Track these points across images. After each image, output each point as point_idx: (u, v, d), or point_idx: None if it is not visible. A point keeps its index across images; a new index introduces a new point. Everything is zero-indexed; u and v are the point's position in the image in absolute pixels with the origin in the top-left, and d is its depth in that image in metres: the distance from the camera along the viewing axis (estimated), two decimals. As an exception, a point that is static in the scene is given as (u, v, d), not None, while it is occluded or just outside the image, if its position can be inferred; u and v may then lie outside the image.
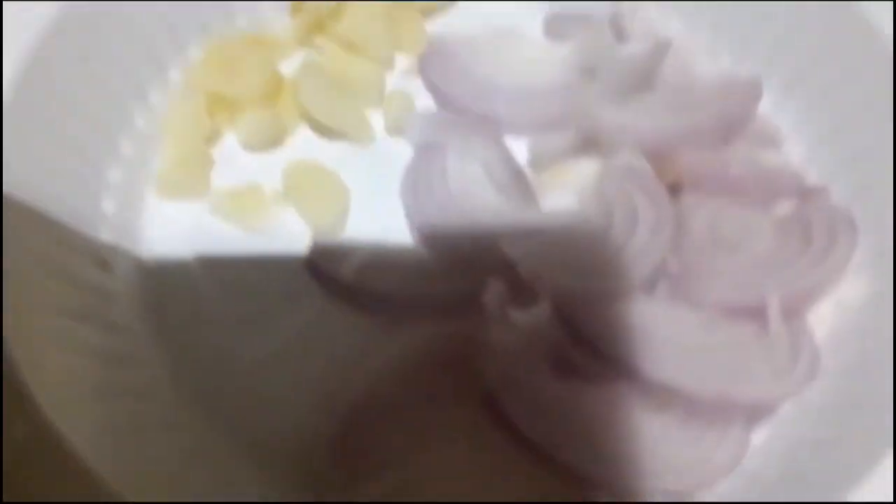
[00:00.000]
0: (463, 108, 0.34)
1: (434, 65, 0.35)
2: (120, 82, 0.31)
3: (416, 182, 0.30)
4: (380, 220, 0.31)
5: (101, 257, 0.29)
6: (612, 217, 0.27)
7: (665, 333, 0.25)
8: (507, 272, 0.26)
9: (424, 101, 0.34)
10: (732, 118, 0.31)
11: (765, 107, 0.33)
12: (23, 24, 0.28)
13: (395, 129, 0.33)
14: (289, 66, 0.35)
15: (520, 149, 0.32)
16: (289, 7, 0.37)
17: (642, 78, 0.32)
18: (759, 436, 0.25)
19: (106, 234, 0.29)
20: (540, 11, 0.37)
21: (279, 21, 0.37)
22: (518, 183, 0.31)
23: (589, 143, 0.31)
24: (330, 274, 0.28)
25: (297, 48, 0.36)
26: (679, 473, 0.23)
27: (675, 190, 0.30)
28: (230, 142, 0.33)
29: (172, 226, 0.31)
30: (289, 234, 0.30)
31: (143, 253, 0.30)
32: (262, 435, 0.26)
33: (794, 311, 0.26)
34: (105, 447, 0.23)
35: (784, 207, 0.29)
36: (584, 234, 0.27)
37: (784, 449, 0.24)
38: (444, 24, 0.38)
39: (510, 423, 0.23)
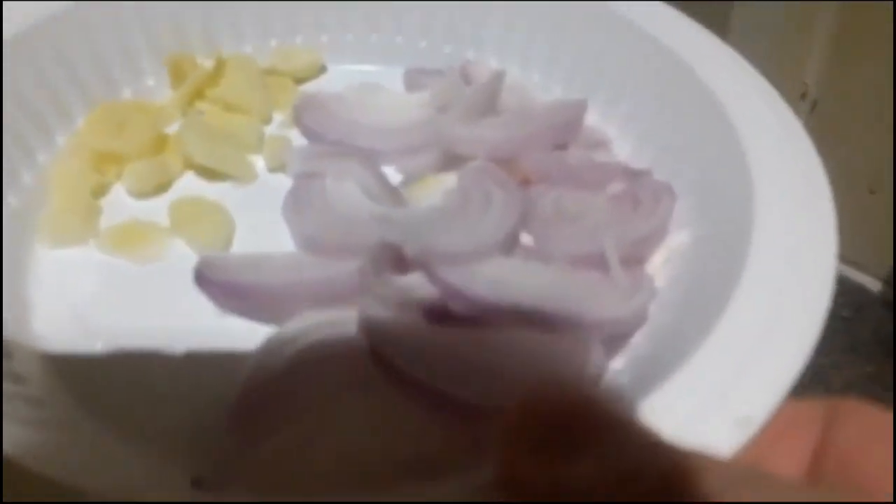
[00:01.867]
0: (336, 143, 0.37)
1: (307, 111, 0.39)
2: (8, 144, 0.33)
3: (298, 201, 0.33)
4: (264, 247, 0.33)
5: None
6: (470, 201, 0.31)
7: (522, 282, 0.28)
8: (380, 252, 0.29)
9: (301, 144, 0.38)
10: (564, 126, 0.36)
11: (594, 119, 0.39)
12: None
13: (276, 167, 0.37)
14: (172, 130, 0.39)
15: (391, 174, 0.36)
16: (170, 80, 0.41)
17: (486, 105, 0.37)
18: (617, 363, 0.28)
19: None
20: (400, 75, 0.43)
21: (161, 92, 0.41)
22: (392, 196, 0.34)
23: (450, 160, 0.36)
24: (214, 278, 0.29)
25: (179, 115, 0.40)
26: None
27: (523, 185, 0.34)
28: (118, 193, 0.36)
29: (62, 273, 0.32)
30: (178, 263, 0.32)
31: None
32: (154, 416, 0.26)
33: (632, 260, 0.30)
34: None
35: (615, 188, 0.34)
36: (447, 212, 0.30)
37: (636, 372, 0.27)
38: (315, 87, 0.43)
39: (395, 369, 0.26)
